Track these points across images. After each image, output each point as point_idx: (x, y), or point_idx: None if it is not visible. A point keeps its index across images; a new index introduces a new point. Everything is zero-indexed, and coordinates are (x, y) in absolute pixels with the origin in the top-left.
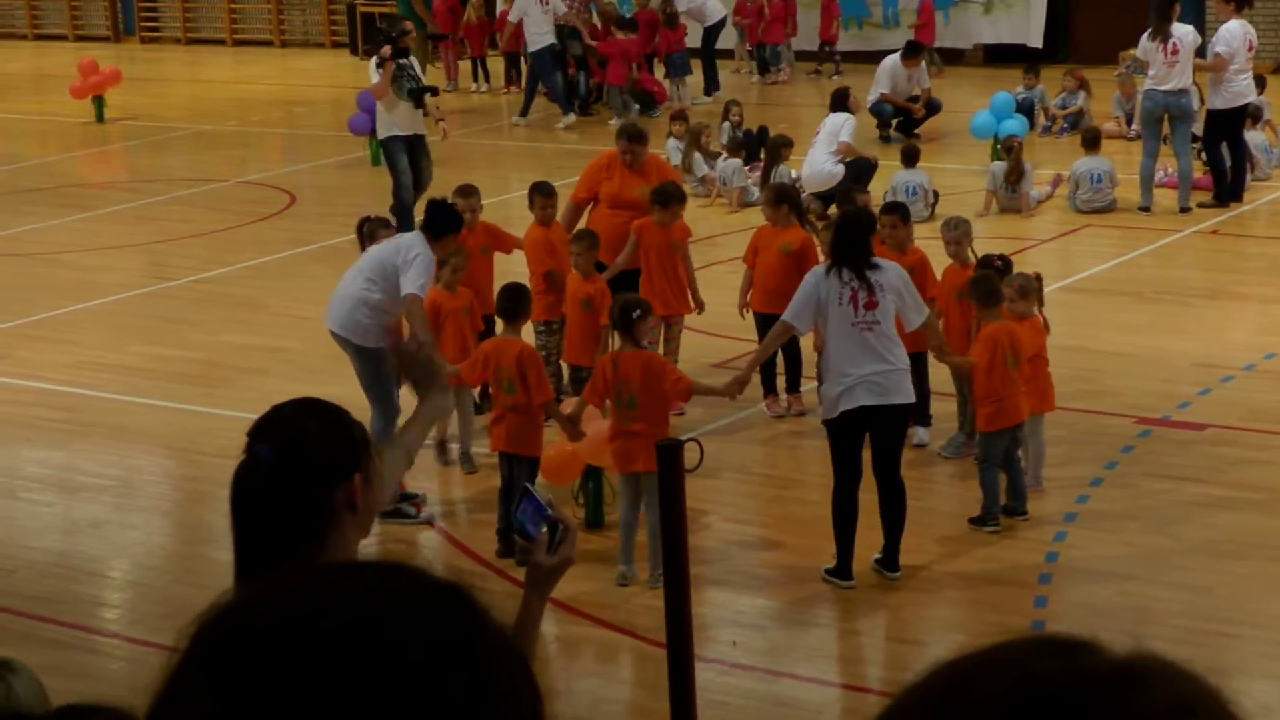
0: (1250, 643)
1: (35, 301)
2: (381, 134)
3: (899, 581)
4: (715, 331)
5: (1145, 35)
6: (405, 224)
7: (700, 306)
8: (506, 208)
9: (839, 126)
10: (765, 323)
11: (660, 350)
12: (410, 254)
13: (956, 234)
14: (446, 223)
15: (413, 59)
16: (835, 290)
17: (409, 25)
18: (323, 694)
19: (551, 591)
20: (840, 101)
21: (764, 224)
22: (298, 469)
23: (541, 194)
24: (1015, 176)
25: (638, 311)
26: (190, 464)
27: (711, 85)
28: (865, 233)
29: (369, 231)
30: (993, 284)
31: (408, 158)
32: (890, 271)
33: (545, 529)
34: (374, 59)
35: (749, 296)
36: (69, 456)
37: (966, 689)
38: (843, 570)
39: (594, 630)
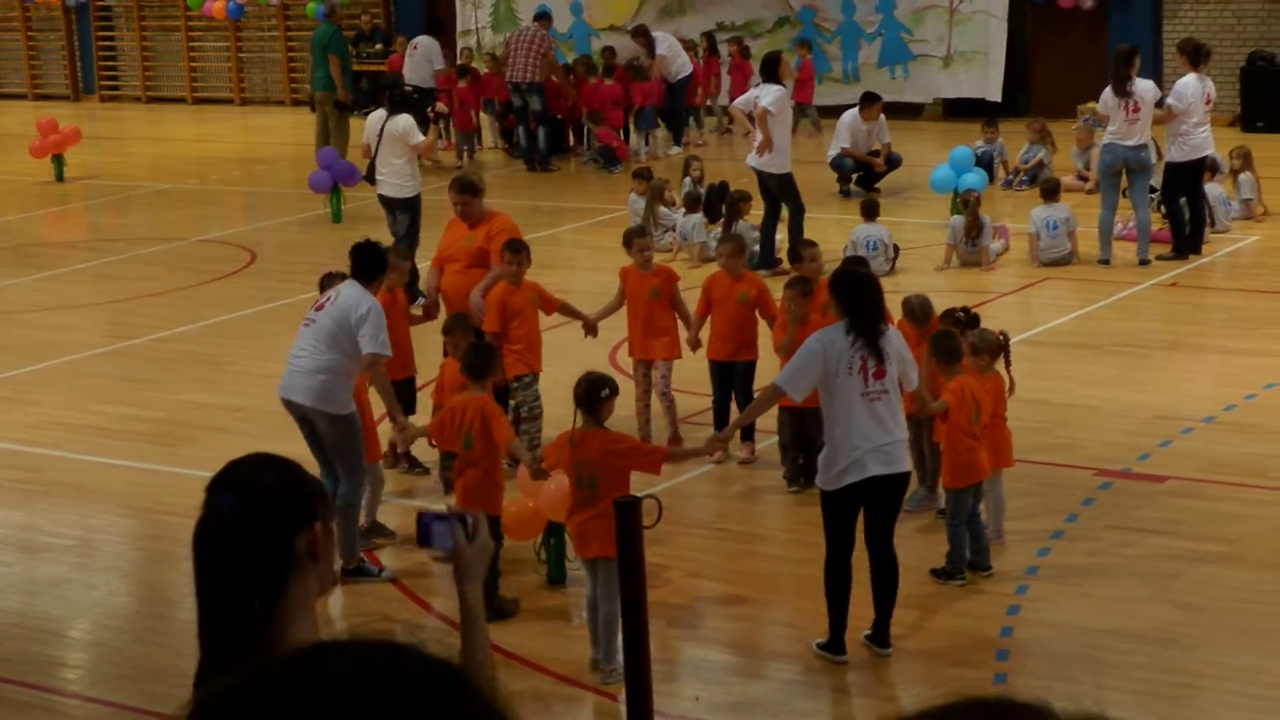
0: (1212, 694)
1: None
2: (381, 190)
3: (861, 636)
4: (679, 387)
5: (1107, 90)
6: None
7: (693, 345)
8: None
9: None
10: (722, 371)
11: (644, 393)
12: (360, 311)
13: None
14: (377, 264)
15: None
16: (845, 358)
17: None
18: None
19: (481, 577)
20: (770, 69)
21: (716, 272)
22: (259, 518)
23: (510, 250)
24: (974, 231)
25: (605, 391)
26: (151, 523)
27: (679, 139)
28: (880, 297)
29: (330, 286)
30: (954, 341)
31: (408, 219)
32: (894, 337)
33: (456, 530)
34: (416, 118)
35: (705, 346)
36: (29, 516)
37: None
38: (836, 644)
39: (556, 686)
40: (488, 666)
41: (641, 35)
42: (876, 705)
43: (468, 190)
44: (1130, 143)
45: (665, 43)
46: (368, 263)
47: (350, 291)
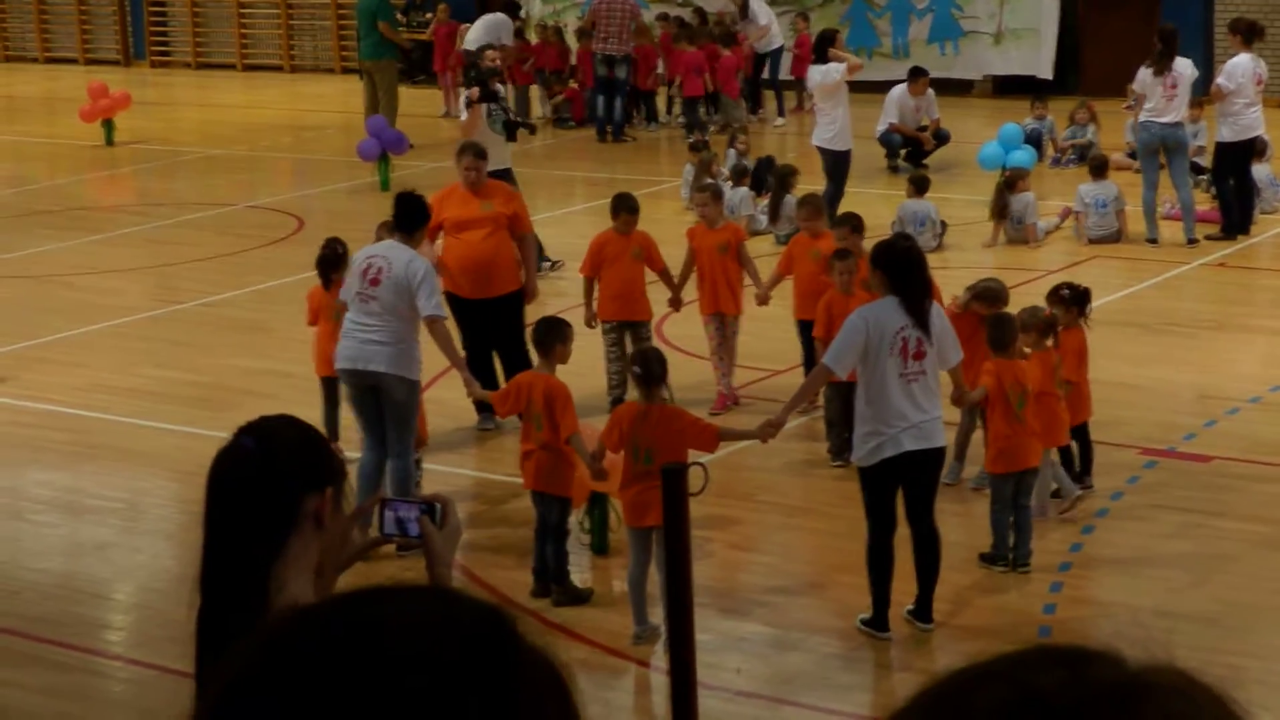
0: (1255, 674)
1: (43, 323)
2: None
3: (903, 611)
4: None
5: (1144, 67)
6: None
7: (760, 300)
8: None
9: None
10: (804, 329)
11: (713, 347)
12: (416, 273)
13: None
14: (417, 216)
15: (504, 92)
16: (888, 339)
17: (498, 63)
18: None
19: (452, 561)
20: (820, 51)
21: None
22: (275, 463)
23: (627, 210)
24: (1000, 208)
25: (662, 368)
26: (197, 487)
27: (781, 109)
28: (927, 271)
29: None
30: (1006, 329)
31: None
32: (938, 314)
33: (424, 514)
34: (463, 99)
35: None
36: (75, 479)
37: (965, 701)
38: (879, 621)
39: (597, 655)
40: None
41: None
42: (917, 680)
43: (483, 155)
44: (1166, 119)
45: (764, 13)
46: (410, 214)
47: (400, 257)
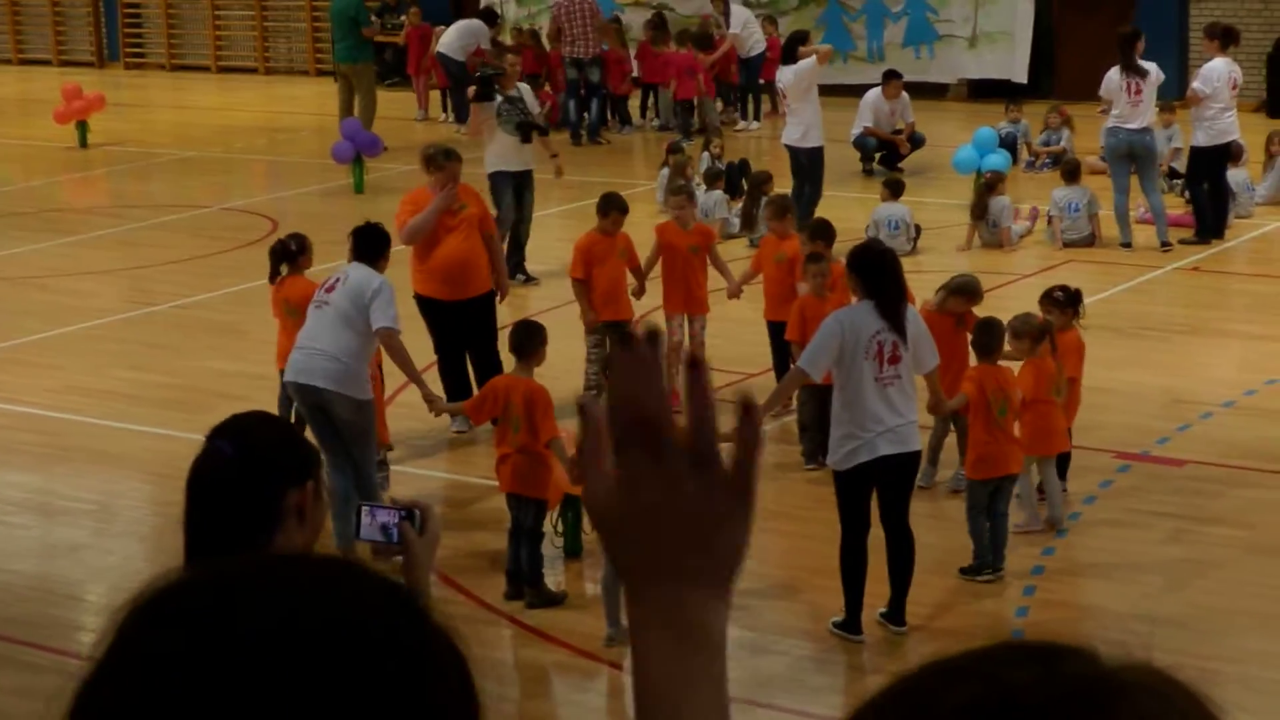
0: (1227, 679)
1: (16, 325)
2: (488, 169)
3: (876, 614)
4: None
5: (1111, 72)
6: (514, 260)
7: (731, 293)
8: None
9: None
10: (774, 331)
11: (673, 343)
12: (372, 287)
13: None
14: (378, 244)
15: (524, 93)
16: (863, 342)
17: (507, 64)
18: (248, 679)
19: (432, 566)
20: (790, 51)
21: (767, 235)
22: (254, 465)
23: (618, 209)
24: (981, 211)
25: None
26: (170, 489)
27: (757, 114)
28: (901, 275)
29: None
30: (993, 334)
31: (514, 194)
32: (915, 318)
33: (403, 520)
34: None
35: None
36: (48, 480)
37: (935, 698)
38: (852, 624)
39: (571, 658)
40: None
41: (721, 1)
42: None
43: (455, 157)
44: (1133, 126)
45: (741, 17)
46: (371, 244)
47: (359, 271)
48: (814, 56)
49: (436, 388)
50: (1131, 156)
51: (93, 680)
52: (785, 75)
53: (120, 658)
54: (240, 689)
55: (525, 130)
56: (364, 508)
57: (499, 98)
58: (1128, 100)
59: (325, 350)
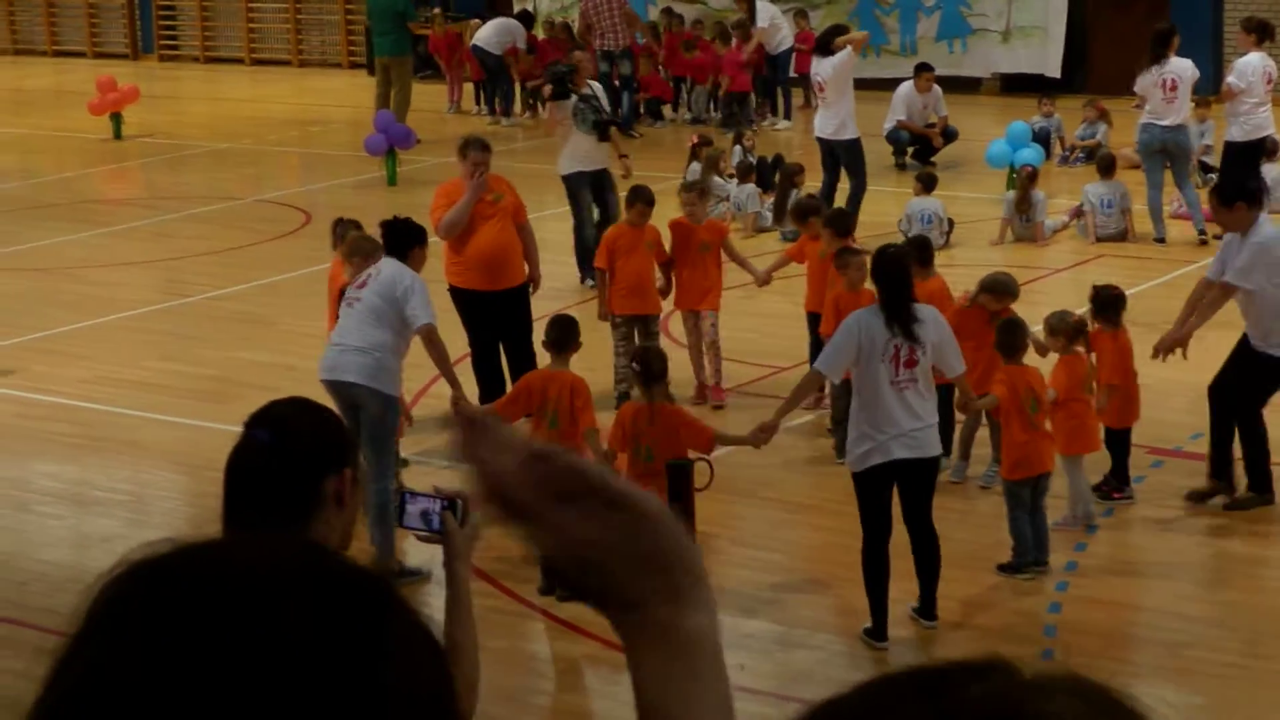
0: (1260, 675)
1: (50, 316)
2: (563, 170)
3: (907, 608)
4: (727, 356)
5: (1144, 69)
6: (584, 264)
7: (760, 281)
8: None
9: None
10: (814, 322)
11: (691, 342)
12: (405, 284)
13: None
14: (408, 238)
15: (597, 91)
16: (879, 344)
17: (579, 60)
18: (211, 663)
19: (472, 558)
20: (825, 46)
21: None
22: (292, 453)
23: (643, 201)
24: (1025, 206)
25: (664, 365)
26: (203, 479)
27: (788, 113)
28: (909, 278)
29: (341, 233)
30: (1016, 334)
31: (593, 194)
32: (929, 323)
33: (446, 509)
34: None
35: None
36: (82, 471)
37: None
38: (876, 630)
39: (602, 650)
40: (474, 649)
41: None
42: None
43: (490, 149)
44: (1166, 122)
45: (766, 14)
46: (401, 238)
47: (390, 267)
48: (849, 47)
49: (468, 380)
50: (1165, 153)
51: (65, 656)
52: (823, 67)
53: (90, 634)
54: (197, 673)
55: (603, 128)
56: (406, 494)
57: (574, 96)
58: (1162, 97)
59: (358, 345)
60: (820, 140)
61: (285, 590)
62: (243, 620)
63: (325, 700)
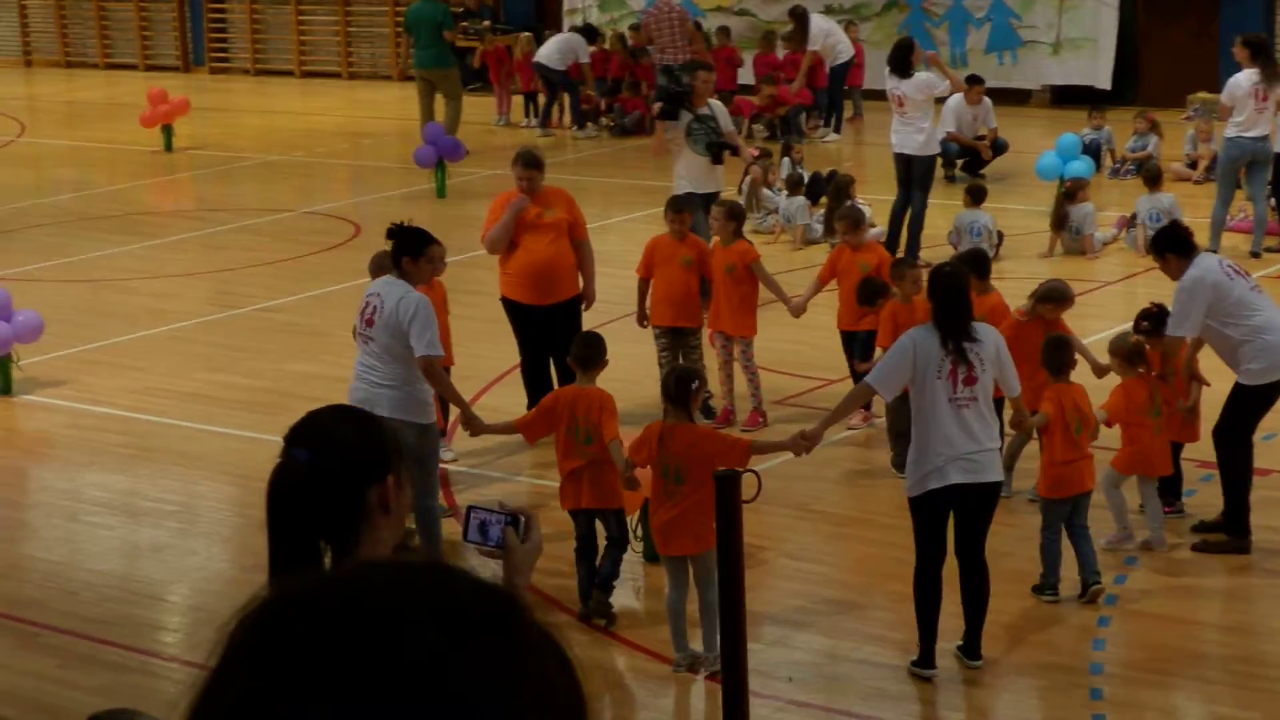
0: None
1: (101, 327)
2: (677, 191)
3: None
4: (772, 368)
5: (1236, 78)
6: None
7: (794, 311)
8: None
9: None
10: (847, 340)
11: (725, 362)
12: (408, 310)
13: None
14: (408, 245)
15: (716, 111)
16: (935, 361)
17: (699, 80)
18: (350, 689)
19: (531, 576)
20: (904, 63)
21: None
22: (333, 471)
23: (674, 210)
24: (1062, 220)
25: (695, 384)
26: (252, 491)
27: (838, 125)
28: (967, 296)
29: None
30: (1063, 352)
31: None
32: (988, 342)
33: (508, 525)
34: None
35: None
36: (132, 481)
37: None
38: (926, 659)
39: (648, 663)
40: None
41: (797, 17)
42: (968, 691)
43: (534, 164)
44: (1254, 134)
45: (822, 28)
46: (397, 246)
47: (392, 294)
48: (948, 83)
49: (518, 390)
50: (1247, 165)
51: (210, 688)
52: (906, 86)
53: (230, 668)
54: (346, 702)
55: (716, 150)
56: (471, 509)
57: (688, 115)
58: (1254, 107)
59: (383, 381)
60: (899, 155)
61: (420, 617)
62: (380, 648)
63: None
